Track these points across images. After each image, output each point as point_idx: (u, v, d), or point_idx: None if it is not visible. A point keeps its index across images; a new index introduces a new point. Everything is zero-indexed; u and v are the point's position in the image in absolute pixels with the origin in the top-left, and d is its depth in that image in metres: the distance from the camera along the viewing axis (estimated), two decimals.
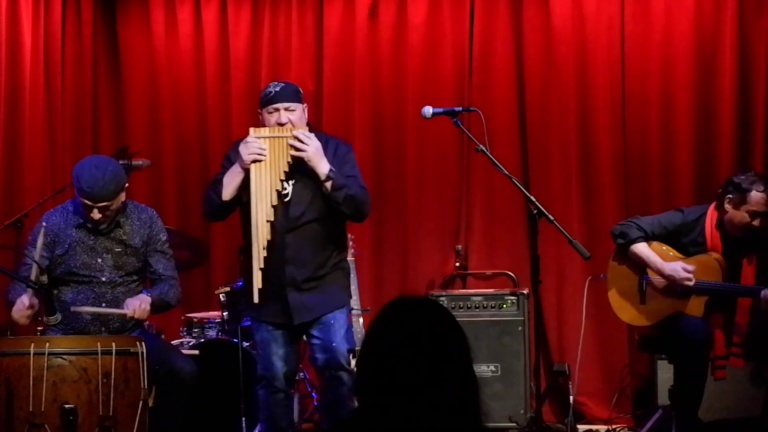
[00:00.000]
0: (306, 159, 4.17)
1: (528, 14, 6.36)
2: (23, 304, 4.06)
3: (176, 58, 6.64)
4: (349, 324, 4.38)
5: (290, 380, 4.37)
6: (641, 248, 5.00)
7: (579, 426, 5.84)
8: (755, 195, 4.89)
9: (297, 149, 4.17)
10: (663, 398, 5.39)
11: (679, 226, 5.03)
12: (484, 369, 5.60)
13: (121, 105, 6.69)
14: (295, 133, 4.18)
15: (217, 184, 4.29)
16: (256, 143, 4.19)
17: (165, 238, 4.48)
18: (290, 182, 4.23)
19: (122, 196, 4.32)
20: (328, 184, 4.18)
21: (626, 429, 5.87)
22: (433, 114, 4.42)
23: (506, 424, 5.55)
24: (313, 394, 5.73)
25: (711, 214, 5.00)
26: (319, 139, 4.25)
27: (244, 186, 4.22)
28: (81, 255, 4.31)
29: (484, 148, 4.32)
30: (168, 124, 6.63)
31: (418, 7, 6.45)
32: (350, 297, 4.55)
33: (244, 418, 4.98)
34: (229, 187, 4.25)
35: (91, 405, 3.69)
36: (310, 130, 4.27)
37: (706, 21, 6.21)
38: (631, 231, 5.00)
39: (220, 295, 5.47)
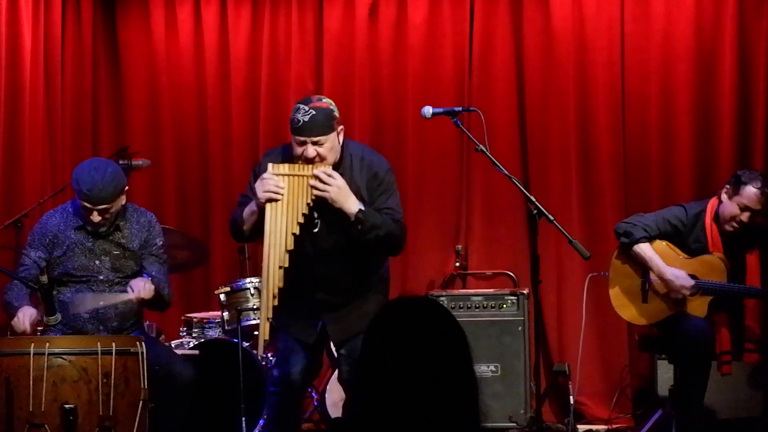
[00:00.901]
0: (329, 201, 3.81)
1: (528, 14, 6.36)
2: (24, 325, 4.02)
3: (176, 58, 6.64)
4: None
5: (306, 389, 4.25)
6: (644, 249, 5.00)
7: (579, 426, 5.84)
8: (750, 189, 4.89)
9: (319, 189, 3.81)
10: (663, 398, 5.39)
11: (683, 222, 5.04)
12: (484, 369, 5.60)
13: (121, 105, 6.69)
14: (315, 172, 3.80)
15: (242, 210, 3.97)
16: (272, 180, 3.81)
17: (161, 243, 4.45)
18: (317, 217, 3.92)
19: (122, 199, 4.30)
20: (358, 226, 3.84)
21: (626, 429, 5.87)
22: (433, 114, 4.40)
23: (506, 424, 5.54)
24: (314, 394, 5.73)
25: (711, 205, 5.01)
26: (354, 154, 3.93)
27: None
28: (79, 257, 4.30)
29: (484, 148, 4.30)
30: (168, 124, 6.63)
31: (418, 7, 6.45)
32: None
33: (244, 418, 4.98)
34: (247, 224, 3.95)
35: (91, 405, 3.69)
36: (344, 144, 3.95)
37: (706, 21, 6.20)
38: (636, 230, 5.00)
39: (220, 295, 5.46)
